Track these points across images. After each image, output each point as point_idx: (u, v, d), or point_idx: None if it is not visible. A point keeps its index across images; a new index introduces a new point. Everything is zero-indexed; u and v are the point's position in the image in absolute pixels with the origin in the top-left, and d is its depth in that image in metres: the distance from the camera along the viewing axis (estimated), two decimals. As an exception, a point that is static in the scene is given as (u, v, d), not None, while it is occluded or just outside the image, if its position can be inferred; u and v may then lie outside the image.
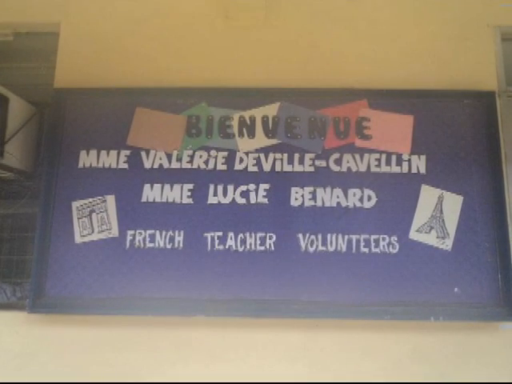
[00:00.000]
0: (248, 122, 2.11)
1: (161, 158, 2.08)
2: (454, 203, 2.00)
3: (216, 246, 1.99)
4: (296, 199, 2.02)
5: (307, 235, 1.99)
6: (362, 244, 1.97)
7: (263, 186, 2.04)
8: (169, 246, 1.99)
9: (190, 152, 2.09)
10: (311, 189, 2.03)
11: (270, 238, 1.99)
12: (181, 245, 1.99)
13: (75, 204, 2.05)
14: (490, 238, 1.97)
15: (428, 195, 2.01)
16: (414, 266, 1.95)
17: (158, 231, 2.01)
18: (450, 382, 1.88)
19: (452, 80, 2.15)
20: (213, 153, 2.08)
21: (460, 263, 1.95)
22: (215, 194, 2.04)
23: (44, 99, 2.21)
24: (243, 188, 2.04)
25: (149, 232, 2.01)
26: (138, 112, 2.13)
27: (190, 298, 1.94)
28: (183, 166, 2.07)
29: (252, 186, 2.04)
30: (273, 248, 1.98)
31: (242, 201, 2.03)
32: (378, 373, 1.90)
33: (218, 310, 1.92)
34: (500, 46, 2.23)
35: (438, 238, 1.98)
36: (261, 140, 2.09)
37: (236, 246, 1.99)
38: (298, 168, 2.05)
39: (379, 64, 2.19)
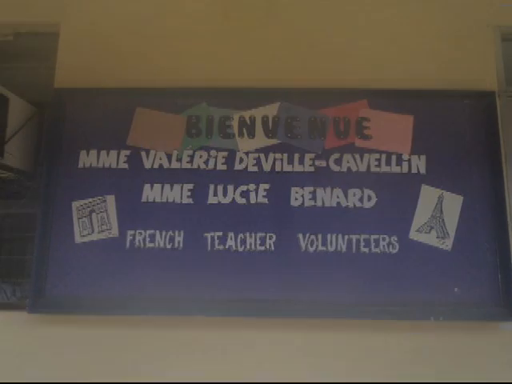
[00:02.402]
0: (248, 121, 2.11)
1: (161, 158, 2.08)
2: (454, 203, 2.00)
3: (216, 246, 1.99)
4: (296, 199, 2.02)
5: (307, 235, 1.98)
6: (362, 244, 1.97)
7: (263, 186, 2.04)
8: (169, 246, 1.99)
9: (190, 152, 2.09)
10: (311, 189, 2.03)
11: (270, 238, 1.99)
12: (181, 245, 1.99)
13: (75, 204, 2.05)
14: (490, 237, 1.96)
15: (428, 195, 2.01)
16: (414, 266, 1.95)
17: (158, 231, 2.01)
18: (449, 382, 1.88)
19: (452, 80, 2.15)
20: (213, 153, 2.08)
21: (460, 263, 1.95)
22: (215, 194, 2.04)
23: (44, 99, 2.20)
24: (243, 188, 2.04)
25: (149, 232, 2.01)
26: (138, 112, 2.13)
27: (189, 298, 1.94)
28: (183, 166, 2.07)
29: (252, 186, 2.04)
30: (273, 248, 1.98)
31: (242, 201, 2.03)
32: (378, 373, 1.90)
33: (218, 310, 1.91)
34: (500, 46, 2.22)
35: (437, 237, 1.98)
36: (261, 140, 2.09)
37: (236, 246, 1.98)
38: (297, 168, 2.05)
39: (379, 64, 2.19)
